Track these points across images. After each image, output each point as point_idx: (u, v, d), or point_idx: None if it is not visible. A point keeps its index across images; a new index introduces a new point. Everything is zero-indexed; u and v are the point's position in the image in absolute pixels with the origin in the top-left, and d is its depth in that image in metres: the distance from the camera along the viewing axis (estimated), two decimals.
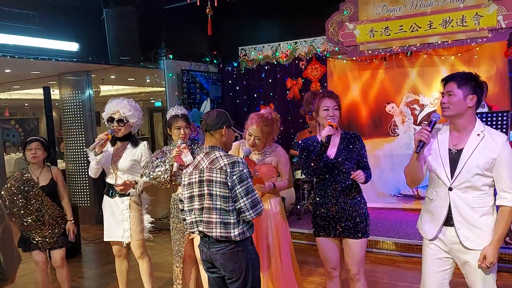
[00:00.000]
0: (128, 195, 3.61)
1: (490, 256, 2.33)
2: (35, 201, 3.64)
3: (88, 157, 3.59)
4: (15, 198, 3.61)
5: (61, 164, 7.45)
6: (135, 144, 3.66)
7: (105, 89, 10.93)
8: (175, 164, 3.33)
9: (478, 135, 2.40)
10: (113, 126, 3.56)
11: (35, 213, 3.63)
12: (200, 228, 2.53)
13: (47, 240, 3.70)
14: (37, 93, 10.63)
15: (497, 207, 2.47)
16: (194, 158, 3.35)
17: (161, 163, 3.40)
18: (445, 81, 2.47)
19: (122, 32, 5.60)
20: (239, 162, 2.48)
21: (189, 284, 3.66)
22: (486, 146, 2.36)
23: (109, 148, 3.63)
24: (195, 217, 2.55)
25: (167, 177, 3.36)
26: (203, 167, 2.52)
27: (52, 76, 7.23)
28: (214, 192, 2.46)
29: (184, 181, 2.59)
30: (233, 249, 2.48)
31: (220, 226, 2.45)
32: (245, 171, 2.47)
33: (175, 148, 3.32)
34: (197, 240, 3.46)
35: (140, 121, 3.70)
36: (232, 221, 2.46)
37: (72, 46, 5.72)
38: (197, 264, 3.58)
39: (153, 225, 3.86)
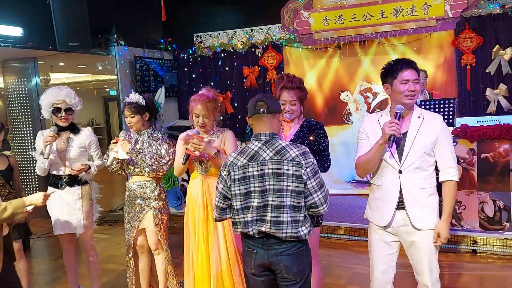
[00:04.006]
0: (79, 184, 3.51)
1: (444, 232, 2.45)
2: None
3: (35, 158, 3.46)
4: None
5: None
6: (77, 131, 3.55)
7: (56, 77, 10.43)
8: (111, 157, 3.26)
9: (419, 117, 2.50)
10: (60, 117, 3.43)
11: None
12: (263, 229, 2.21)
13: None
14: None
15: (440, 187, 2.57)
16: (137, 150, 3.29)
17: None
18: (406, 67, 2.44)
19: (70, 16, 5.34)
20: (309, 152, 2.24)
21: (142, 275, 3.60)
22: (427, 127, 2.47)
23: (53, 145, 3.46)
24: (253, 216, 2.23)
25: (114, 167, 3.31)
26: (264, 158, 2.21)
27: None
28: (285, 187, 2.18)
29: (233, 175, 2.24)
30: (300, 249, 2.25)
31: (292, 225, 2.19)
32: (315, 162, 2.24)
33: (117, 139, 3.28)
34: (148, 230, 3.40)
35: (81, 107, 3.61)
36: (301, 218, 2.21)
37: (16, 31, 5.40)
38: (150, 254, 3.52)
39: (99, 214, 3.80)
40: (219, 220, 2.42)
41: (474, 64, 5.55)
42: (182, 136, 3.17)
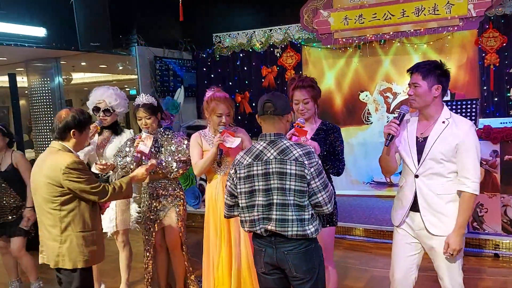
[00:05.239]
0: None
1: (453, 243, 2.38)
2: None
3: None
4: None
5: (31, 153, 7.26)
6: (120, 132, 3.64)
7: (77, 77, 10.63)
8: (137, 155, 3.27)
9: (443, 122, 2.43)
10: (99, 116, 3.52)
11: None
12: (269, 227, 2.25)
13: (3, 226, 3.72)
14: (5, 80, 10.24)
15: None
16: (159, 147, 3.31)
17: (129, 153, 3.34)
18: (410, 71, 2.48)
19: (91, 16, 5.43)
20: (313, 152, 2.26)
21: (161, 273, 3.64)
22: (450, 133, 2.39)
23: (95, 138, 3.58)
24: (259, 215, 2.27)
25: (133, 167, 3.31)
26: (268, 157, 2.24)
27: (19, 62, 6.98)
28: (288, 186, 2.21)
29: (239, 174, 2.29)
30: (308, 247, 2.27)
31: (298, 223, 2.21)
32: (320, 162, 2.27)
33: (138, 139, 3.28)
34: (169, 228, 3.43)
35: (126, 110, 3.69)
36: (306, 217, 2.23)
37: (39, 32, 5.51)
38: (168, 253, 3.56)
39: (140, 215, 3.79)
40: (227, 217, 2.49)
41: (497, 64, 5.43)
42: (196, 134, 3.23)
